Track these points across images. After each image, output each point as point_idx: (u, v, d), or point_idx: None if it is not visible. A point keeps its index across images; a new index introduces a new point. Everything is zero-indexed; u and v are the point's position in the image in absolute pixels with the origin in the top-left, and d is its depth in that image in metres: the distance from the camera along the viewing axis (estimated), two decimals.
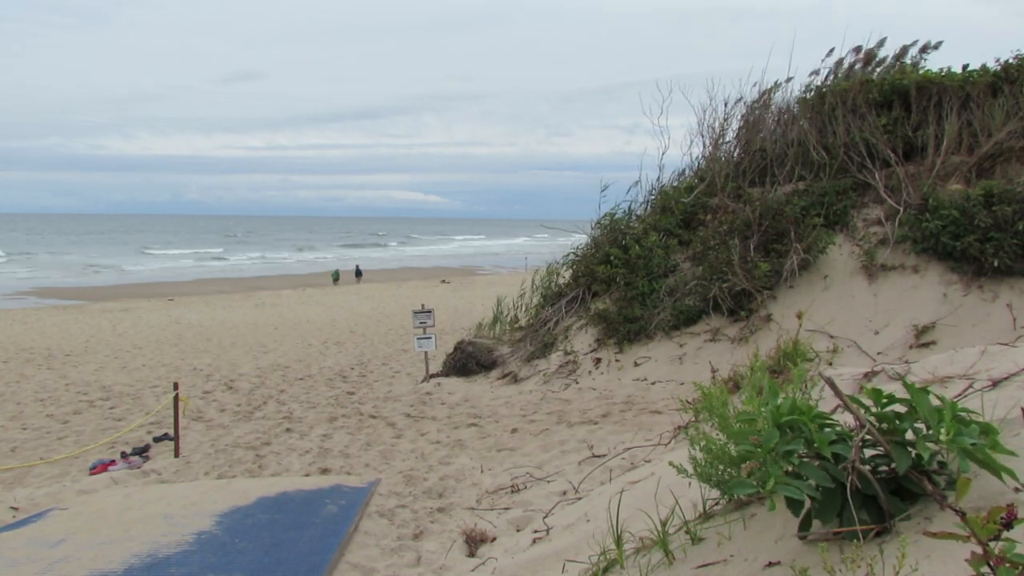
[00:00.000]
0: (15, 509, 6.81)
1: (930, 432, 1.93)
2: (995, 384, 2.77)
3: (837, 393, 2.12)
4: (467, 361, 12.42)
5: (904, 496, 2.00)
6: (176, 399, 9.04)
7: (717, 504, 2.77)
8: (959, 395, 2.76)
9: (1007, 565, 1.39)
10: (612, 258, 11.95)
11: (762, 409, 2.13)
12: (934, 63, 12.80)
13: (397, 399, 11.21)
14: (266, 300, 29.27)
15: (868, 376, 3.73)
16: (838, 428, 2.09)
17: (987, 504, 1.81)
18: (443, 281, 38.48)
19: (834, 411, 2.56)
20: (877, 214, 10.79)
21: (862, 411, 2.06)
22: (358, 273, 41.09)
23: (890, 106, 11.73)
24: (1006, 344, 3.52)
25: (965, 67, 11.83)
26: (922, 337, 9.08)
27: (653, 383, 10.06)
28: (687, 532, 2.58)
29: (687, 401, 4.05)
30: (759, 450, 2.01)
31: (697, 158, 13.49)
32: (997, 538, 1.43)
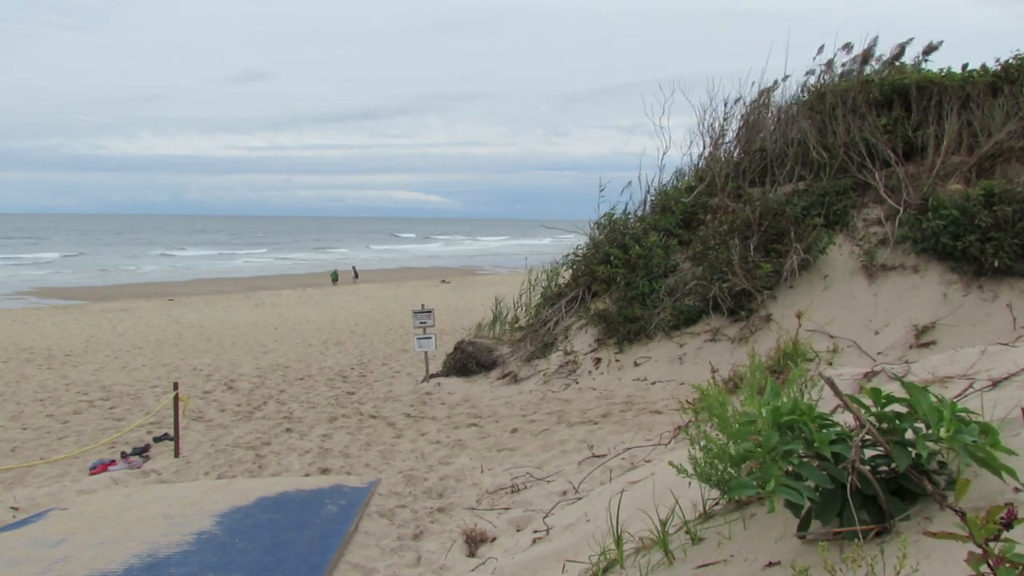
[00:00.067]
0: (15, 509, 6.80)
1: (930, 431, 1.93)
2: (995, 384, 2.76)
3: (837, 393, 2.12)
4: (467, 361, 12.42)
5: (904, 496, 2.00)
6: (176, 399, 9.04)
7: (717, 504, 2.77)
8: (959, 395, 2.76)
9: (1007, 565, 1.39)
10: (612, 258, 11.95)
11: (762, 409, 2.12)
12: (934, 63, 12.81)
13: (397, 399, 11.21)
14: (266, 300, 29.28)
15: (868, 376, 3.73)
16: (838, 428, 2.09)
17: (987, 504, 1.81)
18: (443, 281, 38.49)
19: (834, 411, 2.56)
20: (877, 214, 10.79)
21: (862, 411, 2.06)
22: (356, 275, 41.24)
23: (890, 106, 11.73)
24: (1006, 344, 3.52)
25: (965, 67, 11.84)
26: (922, 337, 9.07)
27: (653, 383, 10.06)
28: (687, 532, 2.57)
29: (687, 401, 4.05)
30: (759, 450, 2.02)
31: (697, 158, 13.51)
32: (997, 538, 1.43)
